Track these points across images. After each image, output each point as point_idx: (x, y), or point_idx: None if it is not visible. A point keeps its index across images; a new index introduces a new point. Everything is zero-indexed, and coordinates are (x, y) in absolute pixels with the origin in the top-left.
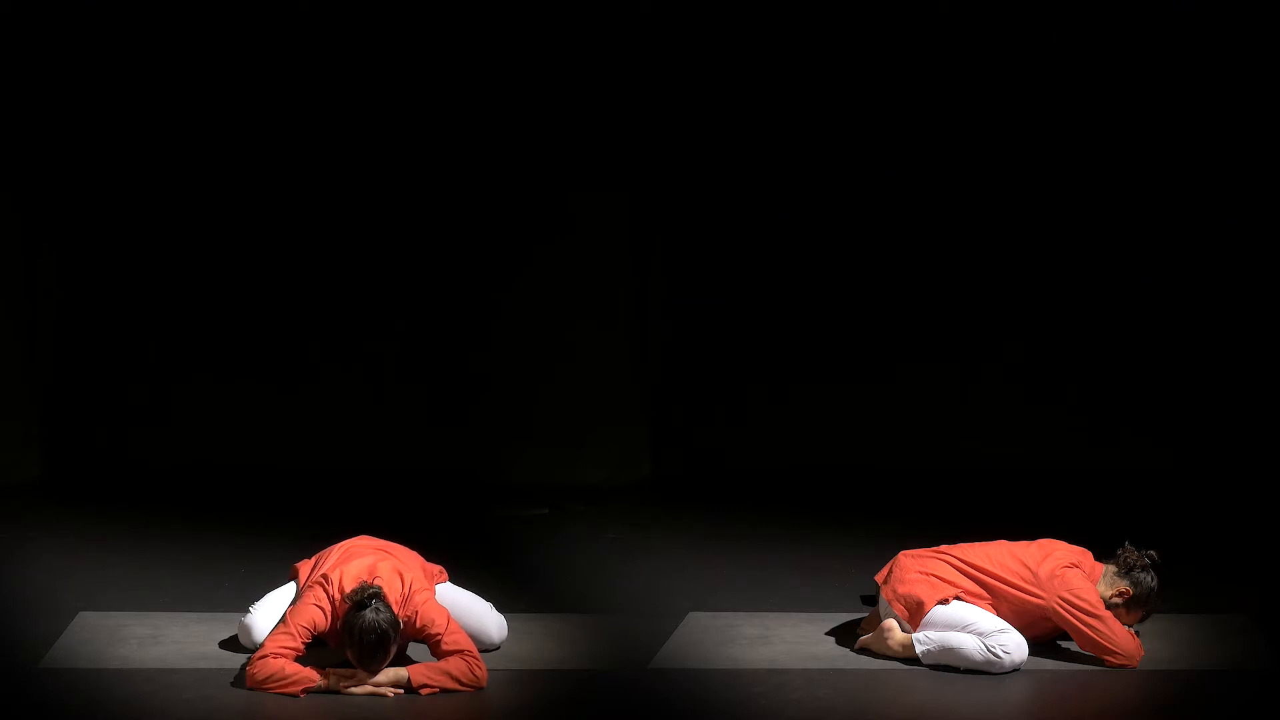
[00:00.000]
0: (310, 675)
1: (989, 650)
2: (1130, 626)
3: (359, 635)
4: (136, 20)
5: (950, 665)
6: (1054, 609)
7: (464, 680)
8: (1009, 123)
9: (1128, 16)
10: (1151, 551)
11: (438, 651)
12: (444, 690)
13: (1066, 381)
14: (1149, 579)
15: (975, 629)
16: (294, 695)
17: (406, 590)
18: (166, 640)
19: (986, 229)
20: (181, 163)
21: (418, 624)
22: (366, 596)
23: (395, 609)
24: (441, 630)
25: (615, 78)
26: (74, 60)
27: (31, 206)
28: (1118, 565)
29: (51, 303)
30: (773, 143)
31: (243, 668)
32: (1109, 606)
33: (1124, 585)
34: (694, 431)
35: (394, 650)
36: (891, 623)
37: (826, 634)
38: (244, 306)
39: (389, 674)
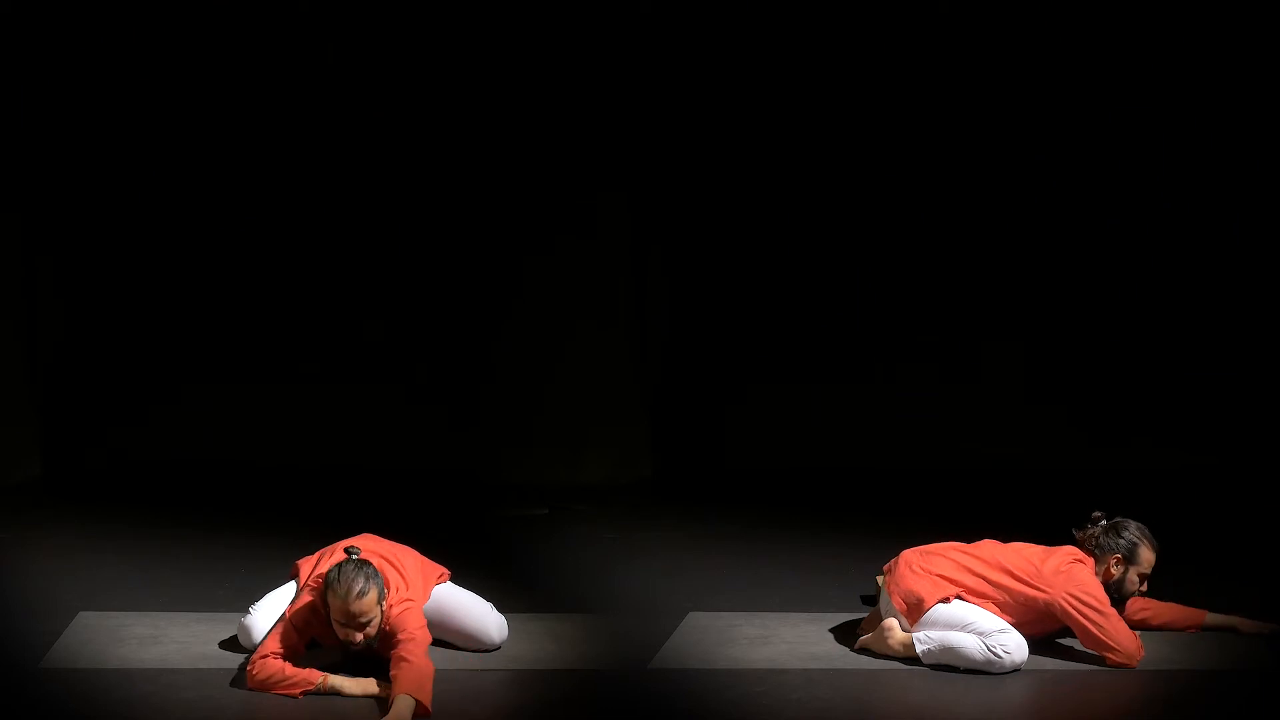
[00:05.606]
0: (310, 676)
1: (989, 650)
2: (1146, 592)
3: (338, 583)
4: (136, 24)
5: (950, 665)
6: (1059, 604)
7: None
8: (1009, 123)
9: (1126, 17)
10: (1095, 513)
11: (391, 654)
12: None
13: (1066, 381)
14: (1125, 533)
15: (975, 628)
16: (293, 696)
17: (393, 603)
18: (166, 640)
19: (987, 230)
20: (196, 164)
21: (390, 635)
22: (347, 552)
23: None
24: (405, 638)
25: (615, 78)
26: (73, 63)
27: (31, 207)
28: (1093, 548)
29: (51, 303)
30: (772, 143)
31: (242, 667)
32: (1122, 583)
33: (1111, 556)
34: (694, 431)
35: (377, 613)
36: (892, 622)
37: (826, 634)
38: (245, 307)
39: (400, 705)
